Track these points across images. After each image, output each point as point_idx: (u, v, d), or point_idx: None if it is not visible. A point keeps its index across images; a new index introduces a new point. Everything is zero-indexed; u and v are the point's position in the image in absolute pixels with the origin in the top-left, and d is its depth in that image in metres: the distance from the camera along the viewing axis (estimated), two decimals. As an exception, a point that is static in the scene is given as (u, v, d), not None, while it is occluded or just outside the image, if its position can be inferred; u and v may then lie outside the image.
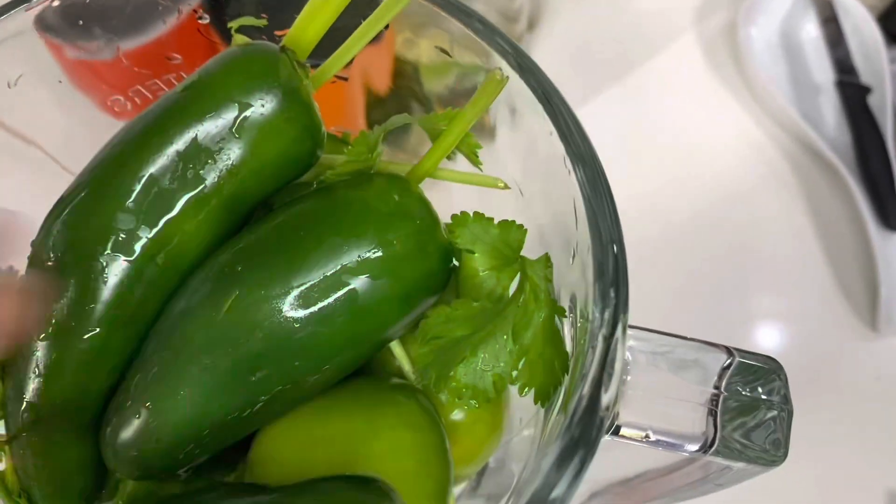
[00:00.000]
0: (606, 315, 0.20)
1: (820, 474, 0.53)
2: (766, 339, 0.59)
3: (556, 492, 0.19)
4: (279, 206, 0.30)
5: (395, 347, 0.30)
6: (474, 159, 0.28)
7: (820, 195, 0.65)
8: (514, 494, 0.27)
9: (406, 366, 0.31)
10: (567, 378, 0.25)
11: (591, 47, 0.74)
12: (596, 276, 0.21)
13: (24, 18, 0.29)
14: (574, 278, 0.24)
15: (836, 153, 0.64)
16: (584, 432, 0.20)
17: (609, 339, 0.20)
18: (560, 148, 0.23)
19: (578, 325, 0.24)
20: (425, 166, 0.27)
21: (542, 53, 0.75)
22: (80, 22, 0.31)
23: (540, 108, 0.24)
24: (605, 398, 0.20)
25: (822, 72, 0.69)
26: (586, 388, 0.20)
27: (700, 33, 0.74)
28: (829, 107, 0.68)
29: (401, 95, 0.33)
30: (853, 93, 0.66)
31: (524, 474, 0.27)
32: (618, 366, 0.20)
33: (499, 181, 0.28)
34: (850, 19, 0.69)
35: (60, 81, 0.30)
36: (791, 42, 0.71)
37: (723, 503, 0.36)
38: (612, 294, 0.21)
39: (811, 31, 0.71)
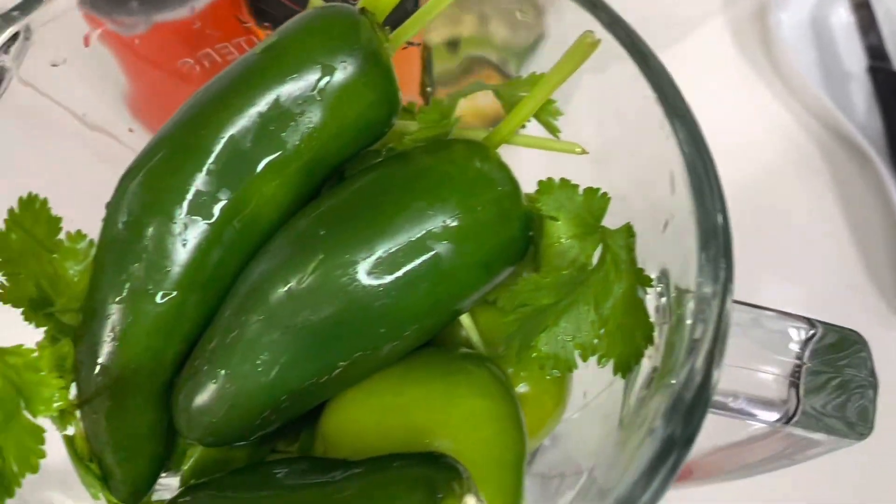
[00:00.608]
0: (718, 286, 0.20)
1: (844, 463, 0.52)
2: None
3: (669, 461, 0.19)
4: (350, 174, 0.29)
5: (465, 318, 0.30)
6: (552, 127, 0.28)
7: (850, 182, 0.65)
8: (588, 479, 0.27)
9: (474, 336, 0.30)
10: (653, 350, 0.25)
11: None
12: (701, 245, 0.21)
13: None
14: (665, 248, 0.24)
15: (867, 139, 0.63)
16: (693, 409, 0.20)
17: (721, 311, 0.20)
18: (657, 111, 0.23)
19: (673, 295, 0.24)
20: (503, 132, 0.27)
21: (569, 38, 0.75)
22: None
23: (634, 69, 0.23)
24: (716, 374, 0.19)
25: (854, 58, 0.69)
26: (699, 363, 0.19)
27: (729, 18, 0.74)
28: (860, 93, 0.68)
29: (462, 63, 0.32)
30: (885, 79, 0.66)
31: (600, 456, 0.26)
32: (728, 343, 0.20)
33: (576, 146, 0.27)
34: (883, 4, 0.69)
35: (137, 41, 0.29)
36: (822, 27, 0.71)
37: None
38: (723, 264, 0.20)
39: (843, 16, 0.71)
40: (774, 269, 0.62)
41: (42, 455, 0.22)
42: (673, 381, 0.20)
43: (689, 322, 0.21)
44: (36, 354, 0.22)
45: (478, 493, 0.23)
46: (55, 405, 0.22)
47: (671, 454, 0.19)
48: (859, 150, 0.63)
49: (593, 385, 0.32)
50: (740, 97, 0.70)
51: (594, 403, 0.31)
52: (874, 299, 0.60)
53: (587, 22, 0.25)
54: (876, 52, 0.68)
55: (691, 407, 0.19)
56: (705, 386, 0.19)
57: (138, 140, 0.31)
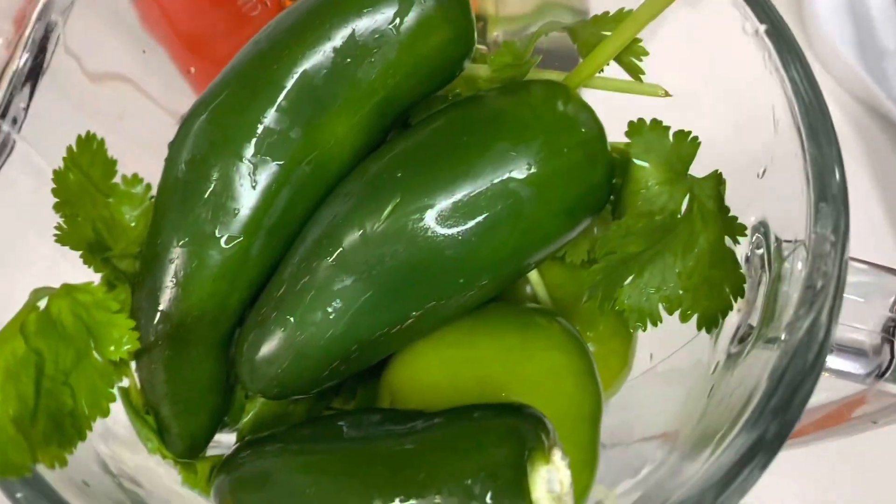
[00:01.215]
0: (840, 233, 0.19)
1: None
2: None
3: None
4: (417, 120, 0.28)
5: (532, 275, 0.29)
6: (635, 68, 0.26)
7: (884, 158, 0.64)
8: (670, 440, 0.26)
9: (541, 292, 0.29)
10: (743, 303, 0.24)
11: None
12: (817, 190, 0.19)
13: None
14: (763, 195, 0.23)
15: (903, 116, 0.62)
16: (814, 366, 0.18)
17: (842, 261, 0.19)
18: (760, 45, 0.21)
19: (773, 245, 0.22)
20: (582, 74, 0.26)
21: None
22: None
23: (736, 3, 0.22)
24: (835, 329, 0.18)
25: (890, 35, 0.67)
26: (823, 317, 0.18)
27: (763, -9, 0.73)
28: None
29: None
30: (923, 55, 0.65)
31: (684, 415, 0.25)
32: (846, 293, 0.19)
33: (659, 89, 0.26)
34: (922, -21, 0.67)
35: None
36: (858, 3, 0.69)
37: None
38: (843, 210, 0.19)
39: (881, -9, 0.69)
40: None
41: (113, 398, 0.21)
42: (784, 337, 0.19)
43: (801, 273, 0.19)
44: (105, 294, 0.21)
45: (562, 446, 0.22)
46: (125, 347, 0.21)
47: (788, 412, 0.18)
48: (894, 127, 0.62)
49: (660, 347, 0.31)
50: (775, 73, 0.69)
51: (664, 366, 0.30)
52: (910, 277, 0.59)
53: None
54: (914, 27, 0.66)
55: (812, 364, 0.18)
56: (826, 342, 0.18)
57: (194, 85, 0.30)
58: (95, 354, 0.21)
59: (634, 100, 0.27)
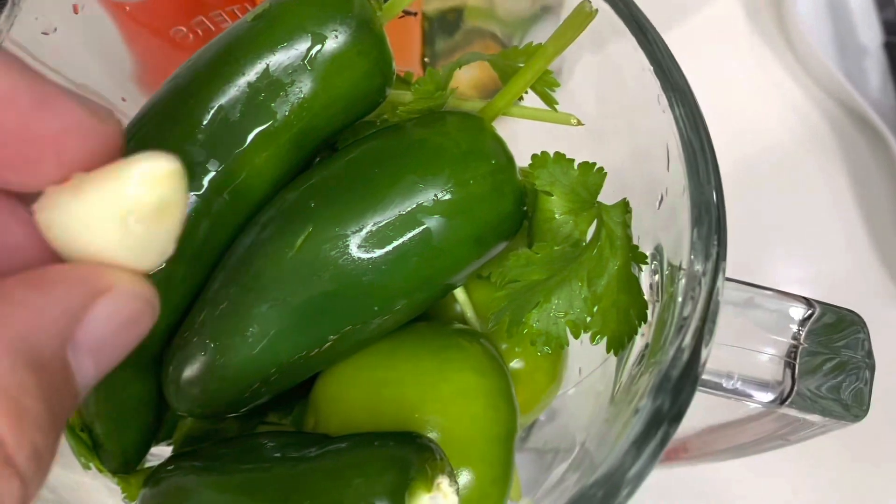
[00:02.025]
0: (709, 264, 0.20)
1: (846, 451, 0.51)
2: (802, 303, 0.58)
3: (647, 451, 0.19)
4: (343, 146, 0.29)
5: (459, 293, 0.30)
6: (548, 98, 0.27)
7: (861, 159, 0.64)
8: (581, 451, 0.27)
9: (468, 311, 0.30)
10: (646, 327, 0.24)
11: None
12: (694, 221, 0.20)
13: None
14: (659, 224, 0.24)
15: (880, 116, 0.62)
16: (681, 386, 0.19)
17: (712, 288, 0.19)
18: (655, 84, 0.22)
19: (666, 272, 0.23)
20: (499, 104, 0.27)
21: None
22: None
23: (632, 41, 0.23)
24: (705, 352, 0.19)
25: (869, 33, 0.67)
26: (687, 340, 0.19)
27: (744, -8, 0.72)
28: (875, 69, 0.66)
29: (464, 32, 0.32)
30: (901, 54, 0.64)
31: (591, 430, 0.26)
32: (718, 318, 0.19)
33: (571, 118, 0.27)
34: (900, -22, 0.67)
35: (127, 8, 0.29)
36: (838, 3, 0.69)
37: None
38: (715, 241, 0.20)
39: (859, -9, 0.69)
40: (782, 246, 0.62)
41: None
42: (661, 358, 0.20)
43: (679, 299, 0.20)
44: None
45: (452, 473, 0.23)
46: None
47: (659, 429, 0.19)
48: (872, 128, 0.62)
49: (589, 362, 0.31)
50: (753, 72, 0.69)
51: (589, 380, 0.31)
52: (883, 277, 0.60)
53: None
54: (892, 27, 0.66)
55: (679, 384, 0.19)
56: (693, 364, 0.19)
57: (131, 108, 0.31)
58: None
59: (560, 128, 0.28)
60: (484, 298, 0.31)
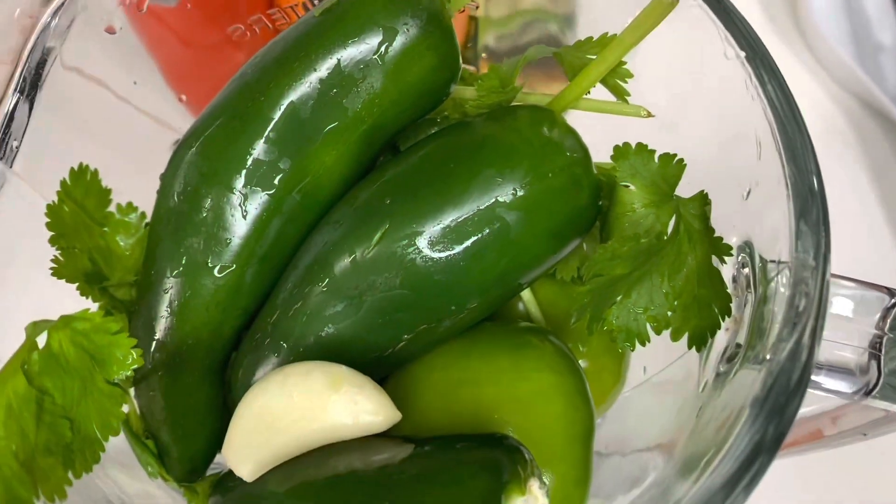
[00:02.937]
0: (819, 255, 0.19)
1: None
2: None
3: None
4: (406, 145, 0.28)
5: (525, 293, 0.29)
6: (620, 90, 0.27)
7: (882, 155, 0.64)
8: (666, 451, 0.26)
9: (534, 310, 0.30)
10: (730, 322, 0.24)
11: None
12: (799, 211, 0.20)
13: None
14: (748, 216, 0.23)
15: (899, 111, 0.62)
16: (798, 386, 0.19)
17: (823, 282, 0.19)
18: (742, 70, 0.21)
19: (758, 266, 0.23)
20: (568, 98, 0.26)
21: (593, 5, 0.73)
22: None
23: (719, 27, 0.22)
24: (818, 350, 0.19)
25: (886, 29, 0.67)
26: (806, 338, 0.18)
27: (758, -12, 0.72)
28: (892, 65, 0.66)
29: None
30: (919, 50, 0.65)
31: (681, 429, 0.26)
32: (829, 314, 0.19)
33: (641, 110, 0.26)
34: (917, -26, 0.67)
35: (189, 6, 0.28)
36: (853, -1, 0.69)
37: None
38: (823, 232, 0.19)
39: (875, -14, 0.69)
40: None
41: (123, 416, 0.22)
42: (768, 357, 0.20)
43: (786, 294, 0.20)
44: (103, 319, 0.22)
45: (541, 475, 0.22)
46: (129, 364, 0.21)
47: (772, 433, 0.19)
48: (891, 122, 0.62)
49: (654, 360, 0.31)
50: (770, 69, 0.69)
51: (657, 379, 0.30)
52: (906, 267, 0.60)
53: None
54: (910, 22, 0.66)
55: (796, 384, 0.19)
56: (809, 362, 0.19)
57: (187, 111, 0.30)
58: (101, 378, 0.22)
59: (623, 119, 0.27)
60: (549, 297, 0.30)
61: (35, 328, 0.21)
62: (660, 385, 0.30)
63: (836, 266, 0.57)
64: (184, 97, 0.30)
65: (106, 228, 0.27)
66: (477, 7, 0.33)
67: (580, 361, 0.30)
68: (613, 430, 0.34)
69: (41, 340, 0.21)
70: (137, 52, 0.31)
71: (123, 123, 0.30)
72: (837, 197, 0.64)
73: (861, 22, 0.68)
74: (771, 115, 0.21)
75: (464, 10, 0.28)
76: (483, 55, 0.35)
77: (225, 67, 0.27)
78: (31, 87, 0.24)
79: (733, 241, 0.24)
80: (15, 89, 0.23)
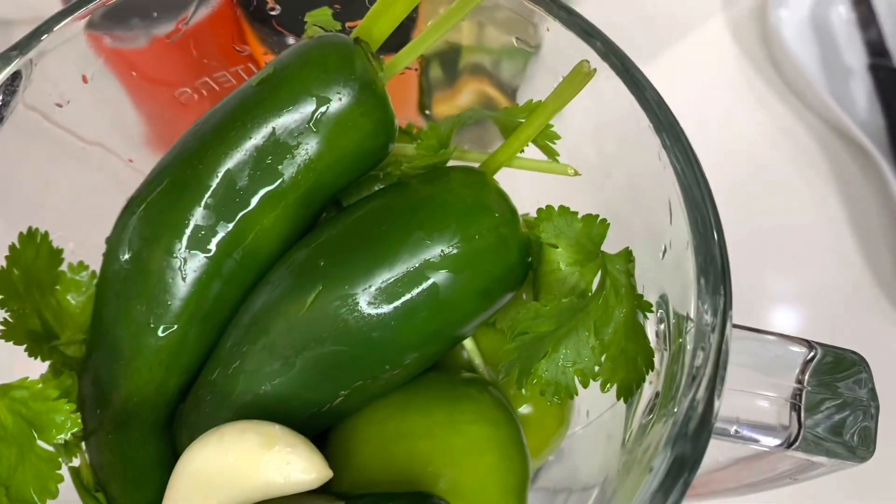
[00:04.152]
0: (718, 315, 0.20)
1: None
2: (795, 324, 0.59)
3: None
4: (349, 202, 0.29)
5: (467, 342, 0.30)
6: (549, 150, 0.28)
7: (851, 179, 0.65)
8: (599, 495, 0.27)
9: (477, 359, 0.30)
10: (654, 375, 0.25)
11: (618, 29, 0.73)
12: (700, 272, 0.21)
13: (77, 25, 0.28)
14: (664, 274, 0.24)
15: (869, 136, 0.63)
16: (697, 437, 0.20)
17: (721, 338, 0.20)
18: (654, 140, 0.22)
19: (672, 321, 0.24)
20: (500, 158, 0.27)
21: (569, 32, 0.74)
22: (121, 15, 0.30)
23: (630, 98, 0.23)
24: (717, 403, 0.20)
25: (854, 54, 0.68)
26: (701, 392, 0.19)
27: (729, 15, 0.74)
28: (861, 90, 0.67)
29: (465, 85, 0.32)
30: (886, 76, 0.66)
31: (605, 475, 0.26)
32: (728, 367, 0.20)
33: (569, 168, 0.27)
34: (882, 0, 0.68)
35: (134, 74, 0.29)
36: (822, 24, 0.70)
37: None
38: (722, 291, 0.20)
39: (843, 12, 0.70)
40: (776, 268, 0.62)
41: (60, 479, 0.23)
42: (675, 410, 0.21)
43: (689, 349, 0.21)
44: (41, 386, 0.23)
45: None
46: (68, 428, 0.22)
47: (677, 480, 0.20)
48: (861, 148, 0.63)
49: (597, 403, 0.32)
50: (741, 95, 0.70)
51: (598, 422, 0.31)
52: (877, 297, 0.60)
53: (582, 49, 0.25)
54: (876, 47, 0.67)
55: (695, 436, 0.20)
56: (707, 415, 0.20)
57: (138, 169, 0.31)
58: (37, 445, 0.23)
59: (558, 180, 0.28)
60: (491, 345, 0.31)
61: (-26, 398, 0.22)
62: (598, 429, 0.31)
63: (804, 292, 0.58)
64: (131, 160, 0.31)
65: (57, 287, 0.28)
66: (417, 70, 0.34)
67: (524, 407, 0.31)
68: (562, 469, 0.35)
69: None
70: (99, 112, 0.32)
71: (79, 176, 0.31)
72: (807, 220, 0.65)
73: (830, 48, 0.69)
74: (677, 182, 0.22)
75: (403, 73, 0.28)
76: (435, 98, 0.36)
77: (173, 129, 0.28)
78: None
79: (653, 297, 0.25)
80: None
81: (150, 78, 0.30)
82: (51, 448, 0.22)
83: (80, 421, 0.23)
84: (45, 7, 0.58)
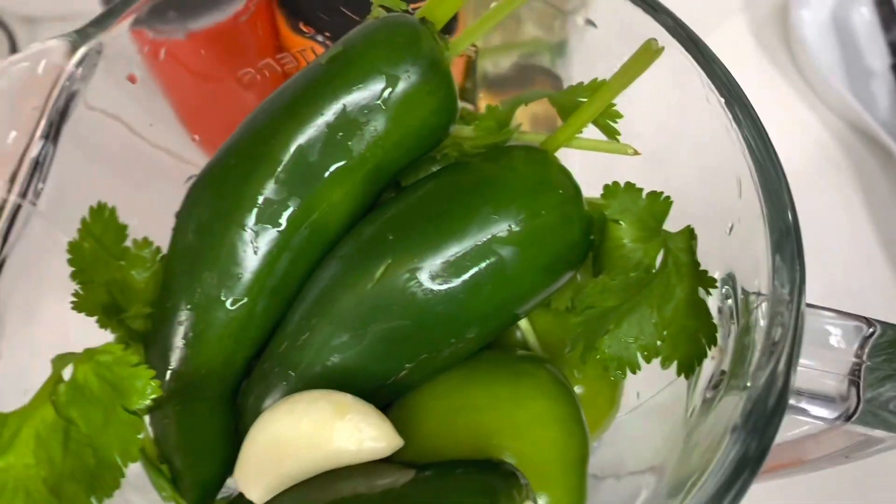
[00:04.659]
0: (795, 288, 0.21)
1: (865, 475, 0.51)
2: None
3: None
4: (407, 182, 0.30)
5: (522, 322, 0.31)
6: (611, 130, 0.28)
7: (874, 179, 0.65)
8: (652, 475, 0.27)
9: (531, 339, 0.31)
10: (716, 351, 0.25)
11: (638, 29, 0.74)
12: (775, 246, 0.21)
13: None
14: (730, 251, 0.24)
15: (891, 137, 0.64)
16: (774, 412, 0.20)
17: (798, 312, 0.20)
18: (723, 115, 0.23)
19: (740, 298, 0.24)
20: (561, 137, 0.28)
21: (588, 34, 0.75)
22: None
23: (700, 74, 0.24)
24: (793, 377, 0.20)
25: (876, 55, 0.69)
26: (781, 366, 0.20)
27: (750, 16, 0.74)
28: (883, 91, 0.68)
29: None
30: (909, 77, 0.66)
31: (665, 454, 0.27)
32: (805, 343, 0.20)
33: (628, 148, 0.28)
34: (905, 2, 0.69)
35: (202, 52, 0.30)
36: (844, 25, 0.71)
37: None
38: (797, 266, 0.21)
39: (865, 13, 0.71)
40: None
41: (141, 444, 0.23)
42: (748, 384, 0.21)
43: (764, 324, 0.21)
44: (123, 351, 0.23)
45: (535, 499, 0.23)
46: (148, 395, 0.23)
47: (753, 455, 0.20)
48: (883, 148, 0.63)
49: (646, 386, 0.32)
50: (762, 96, 0.70)
51: (648, 404, 0.31)
52: (900, 293, 0.61)
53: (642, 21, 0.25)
54: (898, 48, 0.68)
55: (773, 410, 0.20)
56: (785, 389, 0.20)
57: (199, 150, 0.32)
58: (121, 408, 0.23)
59: (613, 156, 0.29)
60: (544, 326, 0.31)
61: (61, 361, 0.22)
62: (652, 409, 0.31)
63: (828, 291, 0.58)
64: (196, 137, 0.32)
65: (122, 262, 0.28)
66: (476, 51, 0.35)
67: (576, 388, 0.31)
68: (609, 454, 0.35)
69: (67, 372, 0.22)
70: (155, 97, 0.32)
71: (139, 161, 0.31)
72: (829, 223, 0.66)
73: (852, 49, 0.69)
74: (749, 157, 0.22)
75: (462, 54, 0.29)
76: (481, 94, 0.37)
77: (236, 109, 0.29)
78: (55, 131, 0.25)
79: (717, 273, 0.25)
80: (42, 135, 0.24)
81: (210, 61, 0.31)
82: (132, 413, 0.23)
83: (159, 388, 0.23)
84: (74, 4, 0.58)
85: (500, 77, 0.36)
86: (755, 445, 0.20)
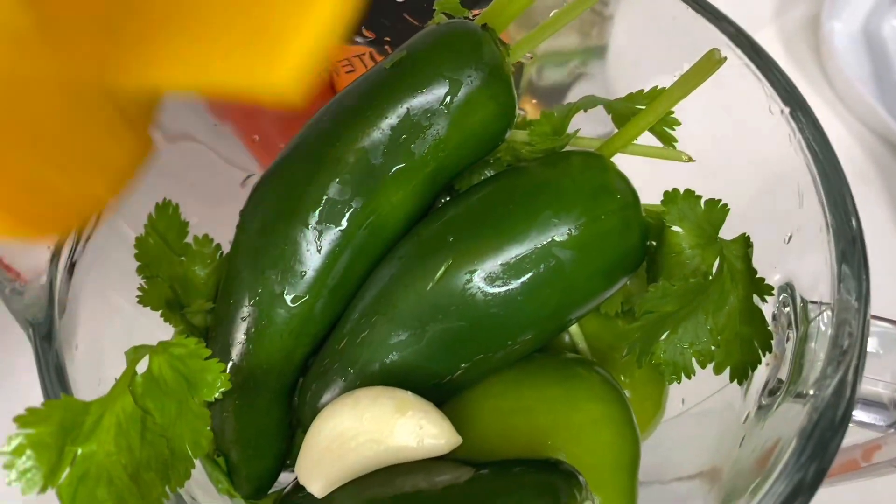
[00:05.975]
0: (861, 298, 0.21)
1: None
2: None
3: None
4: (462, 187, 0.30)
5: (572, 327, 0.31)
6: (667, 137, 0.29)
7: (903, 192, 0.65)
8: (709, 478, 0.28)
9: (581, 343, 0.31)
10: (771, 357, 0.26)
11: (668, 39, 0.74)
12: (839, 256, 0.21)
13: None
14: (789, 259, 0.25)
15: (922, 149, 0.64)
16: (842, 420, 0.20)
17: (865, 322, 0.21)
18: (785, 125, 0.23)
19: (799, 306, 0.24)
20: (617, 143, 0.28)
21: (616, 43, 0.75)
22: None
23: (764, 84, 0.24)
24: (859, 386, 0.20)
25: (908, 68, 0.69)
26: (850, 375, 0.20)
27: (781, 27, 0.74)
28: (914, 103, 0.68)
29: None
30: (941, 90, 0.66)
31: (725, 456, 0.27)
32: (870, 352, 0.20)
33: (682, 155, 0.28)
34: (938, 15, 0.69)
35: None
36: (875, 37, 0.71)
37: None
38: (864, 275, 0.21)
39: (896, 25, 0.71)
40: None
41: (210, 436, 0.24)
42: (812, 392, 0.21)
43: (829, 333, 0.21)
44: (196, 344, 0.24)
45: (594, 498, 0.24)
46: (218, 388, 0.23)
47: (818, 465, 0.20)
48: (913, 160, 0.63)
49: (692, 391, 0.32)
50: (793, 107, 0.70)
51: (697, 409, 0.32)
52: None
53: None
54: (931, 62, 0.68)
55: (841, 419, 0.20)
56: (852, 398, 0.20)
57: (259, 149, 0.32)
58: (193, 400, 0.24)
59: (670, 164, 0.29)
60: (594, 329, 0.32)
61: (135, 352, 0.23)
62: (699, 416, 0.31)
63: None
64: (256, 137, 0.32)
65: (184, 258, 0.29)
66: (531, 57, 0.35)
67: (624, 391, 0.31)
68: (652, 460, 0.35)
69: (141, 364, 0.23)
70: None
71: (200, 163, 0.32)
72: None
73: (883, 61, 0.70)
74: (815, 168, 0.23)
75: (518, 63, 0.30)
76: (534, 101, 0.37)
77: (295, 111, 0.29)
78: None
79: (775, 280, 0.26)
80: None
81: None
82: (203, 405, 0.23)
83: (229, 381, 0.24)
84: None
85: (544, 83, 0.37)
86: (820, 453, 0.21)
